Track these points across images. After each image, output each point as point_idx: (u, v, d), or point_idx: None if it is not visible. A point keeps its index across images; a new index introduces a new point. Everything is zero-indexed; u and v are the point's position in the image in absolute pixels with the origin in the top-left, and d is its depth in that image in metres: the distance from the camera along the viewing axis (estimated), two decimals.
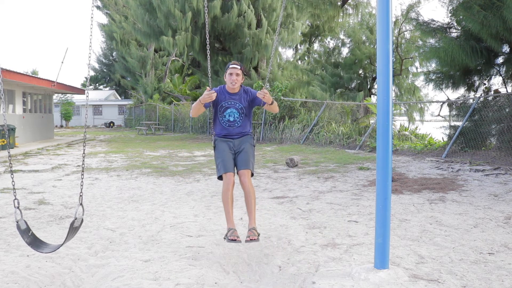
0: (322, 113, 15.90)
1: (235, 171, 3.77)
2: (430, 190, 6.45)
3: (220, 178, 3.70)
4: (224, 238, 3.44)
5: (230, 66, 3.84)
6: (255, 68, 22.83)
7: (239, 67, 3.82)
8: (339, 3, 16.80)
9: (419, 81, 19.64)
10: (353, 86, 20.13)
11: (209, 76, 4.07)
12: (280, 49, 22.71)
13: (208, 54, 4.16)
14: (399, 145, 12.76)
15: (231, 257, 3.58)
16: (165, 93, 33.17)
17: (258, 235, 3.44)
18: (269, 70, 4.21)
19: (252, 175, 3.73)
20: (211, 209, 5.46)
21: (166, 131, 27.16)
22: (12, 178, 3.03)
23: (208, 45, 4.11)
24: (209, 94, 3.65)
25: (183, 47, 20.92)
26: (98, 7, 35.48)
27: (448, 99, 12.07)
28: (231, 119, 3.85)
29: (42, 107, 19.87)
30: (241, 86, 3.89)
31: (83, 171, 3.30)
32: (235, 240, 3.35)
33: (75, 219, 2.97)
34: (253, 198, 3.58)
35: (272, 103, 3.79)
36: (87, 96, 3.26)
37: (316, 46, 26.92)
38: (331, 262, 3.46)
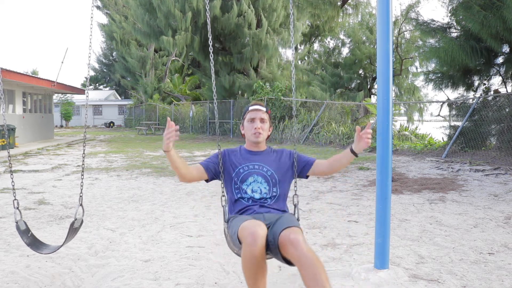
0: (322, 113, 15.90)
1: (268, 233, 2.27)
2: (430, 190, 6.45)
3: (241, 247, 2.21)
4: None
5: (251, 108, 2.59)
6: (255, 69, 22.86)
7: (264, 109, 2.59)
8: (339, 3, 16.81)
9: (419, 81, 19.68)
10: (353, 86, 20.15)
11: (212, 76, 2.98)
12: (280, 49, 22.70)
13: (211, 57, 3.39)
14: (399, 145, 12.76)
15: (231, 257, 3.57)
16: (165, 93, 33.17)
17: None
18: (293, 74, 3.56)
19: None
20: (211, 209, 5.46)
21: None
22: (12, 178, 3.03)
23: (210, 47, 3.23)
24: (169, 132, 2.25)
25: (183, 47, 20.92)
26: (98, 7, 35.48)
27: (448, 99, 12.07)
28: (257, 195, 2.48)
29: (42, 107, 19.88)
30: (266, 145, 2.74)
31: (83, 171, 3.29)
32: None
33: (75, 219, 2.96)
34: (320, 267, 2.09)
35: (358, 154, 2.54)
36: (87, 96, 3.25)
37: (316, 46, 26.93)
38: (331, 262, 3.45)
